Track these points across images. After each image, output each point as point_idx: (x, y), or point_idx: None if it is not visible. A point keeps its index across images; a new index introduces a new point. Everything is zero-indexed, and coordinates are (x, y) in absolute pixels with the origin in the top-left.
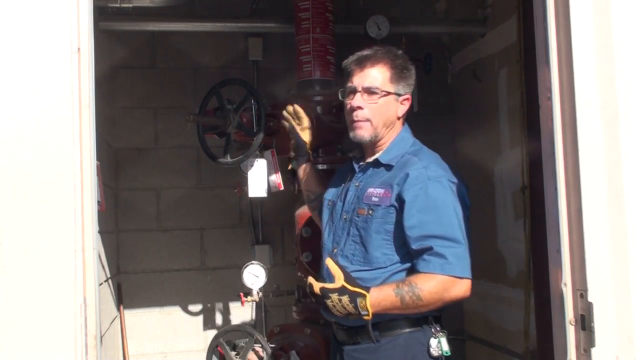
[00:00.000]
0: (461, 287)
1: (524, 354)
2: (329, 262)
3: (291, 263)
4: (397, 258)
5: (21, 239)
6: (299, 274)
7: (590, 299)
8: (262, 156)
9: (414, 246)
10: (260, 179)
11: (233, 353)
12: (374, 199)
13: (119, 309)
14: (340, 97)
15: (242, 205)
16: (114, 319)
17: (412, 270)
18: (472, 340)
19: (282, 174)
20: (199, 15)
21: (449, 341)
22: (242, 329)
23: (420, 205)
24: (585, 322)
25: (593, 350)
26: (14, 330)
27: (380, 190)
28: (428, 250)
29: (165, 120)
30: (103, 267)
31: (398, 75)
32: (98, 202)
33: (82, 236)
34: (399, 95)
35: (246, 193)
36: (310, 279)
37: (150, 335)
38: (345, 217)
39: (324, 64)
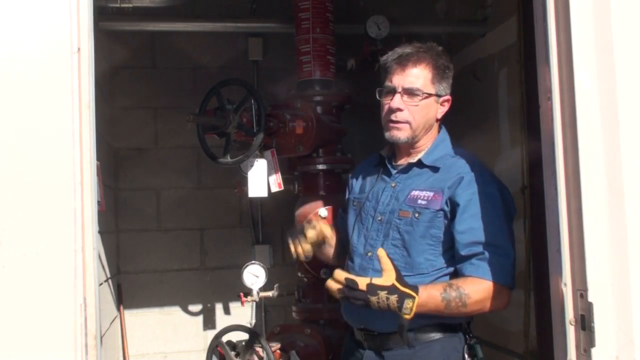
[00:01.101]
0: (504, 298)
1: (524, 354)
2: (382, 253)
3: (291, 263)
4: (439, 264)
5: (21, 239)
6: (299, 274)
7: (590, 299)
8: (262, 156)
9: (463, 252)
10: (260, 179)
11: (233, 353)
12: (420, 201)
13: (119, 309)
14: (377, 96)
15: (242, 205)
16: (114, 319)
17: (454, 276)
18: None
19: (281, 174)
20: (199, 15)
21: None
22: (242, 329)
23: (473, 211)
24: (585, 322)
25: (593, 350)
26: (14, 330)
27: (428, 193)
28: (477, 255)
29: (165, 120)
30: (103, 267)
31: (440, 75)
32: (98, 202)
33: (82, 236)
34: (440, 96)
35: (246, 193)
36: (346, 274)
37: (150, 335)
38: (380, 218)
39: (324, 64)
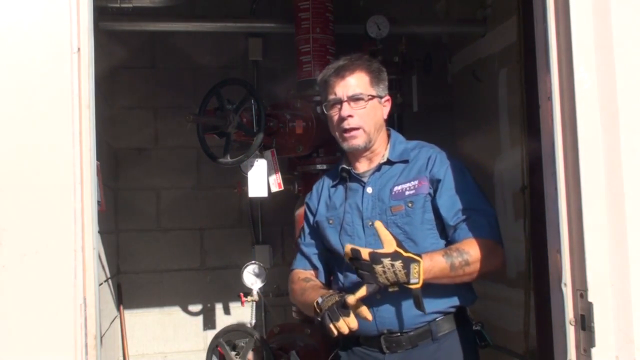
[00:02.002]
0: (500, 255)
1: (524, 354)
2: (379, 225)
3: (291, 263)
4: (442, 245)
5: (21, 239)
6: None
7: (590, 299)
8: (262, 156)
9: (451, 222)
10: (260, 179)
11: (233, 353)
12: (408, 192)
13: (119, 309)
14: (324, 111)
15: (242, 205)
16: (114, 319)
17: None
18: None
19: (281, 174)
20: (199, 15)
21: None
22: (242, 329)
23: (449, 185)
24: (585, 322)
25: (593, 350)
26: (14, 330)
27: (412, 183)
28: (464, 220)
29: (165, 120)
30: (103, 267)
31: (376, 77)
32: (98, 202)
33: (82, 236)
34: (381, 97)
35: (246, 193)
36: (352, 245)
37: (150, 335)
38: (371, 223)
39: (324, 64)
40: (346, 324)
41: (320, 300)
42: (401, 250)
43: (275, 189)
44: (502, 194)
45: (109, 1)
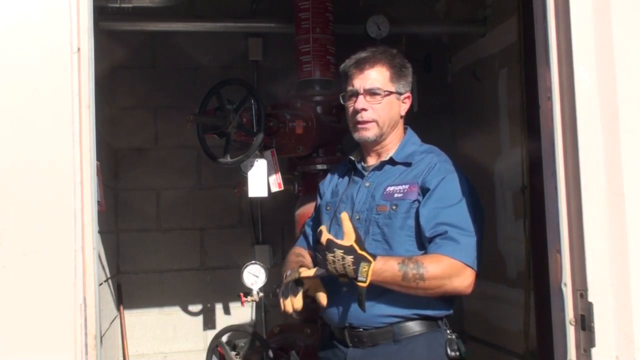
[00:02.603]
0: (466, 278)
1: (524, 354)
2: (344, 216)
3: None
4: (419, 253)
5: (21, 239)
6: None
7: (590, 299)
8: (262, 156)
9: (428, 233)
10: (260, 179)
11: (233, 353)
12: (396, 195)
13: (119, 309)
14: (341, 101)
15: (242, 205)
16: (114, 319)
17: None
18: (472, 340)
19: (281, 174)
20: (199, 15)
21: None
22: (242, 329)
23: (438, 196)
24: (585, 322)
25: (593, 350)
26: (14, 330)
27: (403, 187)
28: (441, 234)
29: (165, 120)
30: (103, 267)
31: (397, 74)
32: (98, 202)
33: (82, 236)
34: (400, 94)
35: (246, 193)
36: (323, 227)
37: (150, 335)
38: (358, 217)
39: (324, 64)
40: (291, 304)
41: (288, 273)
42: (357, 247)
43: (275, 189)
44: (502, 194)
45: (109, 1)
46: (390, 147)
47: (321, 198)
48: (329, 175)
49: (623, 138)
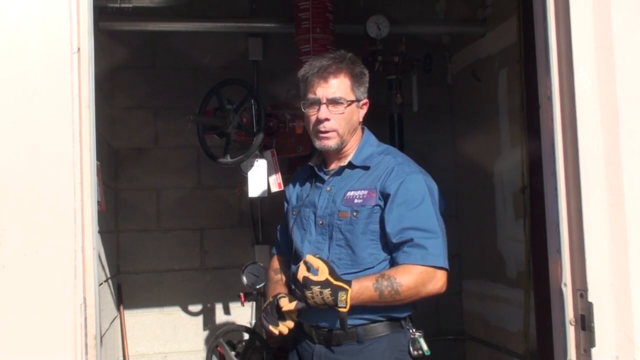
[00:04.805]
0: (439, 280)
1: (524, 354)
2: (310, 258)
3: None
4: (383, 256)
5: (21, 239)
6: None
7: (590, 299)
8: (262, 156)
9: (394, 239)
10: (260, 179)
11: (233, 353)
12: (356, 200)
13: (119, 309)
14: (302, 109)
15: (242, 205)
16: (114, 319)
17: (393, 264)
18: (472, 341)
19: (281, 174)
20: (199, 15)
21: (427, 341)
22: (242, 329)
23: (400, 200)
24: (585, 322)
25: (593, 350)
26: (14, 330)
27: (362, 192)
28: (408, 242)
29: (165, 120)
30: (103, 267)
31: (358, 81)
32: (98, 202)
33: (82, 236)
34: (359, 101)
35: (246, 193)
36: (301, 265)
37: (150, 335)
38: (321, 222)
39: None
40: (286, 327)
41: (270, 300)
42: (332, 279)
43: (275, 189)
44: (502, 194)
45: (109, 1)
46: (350, 152)
47: (287, 202)
48: (292, 179)
49: (623, 138)
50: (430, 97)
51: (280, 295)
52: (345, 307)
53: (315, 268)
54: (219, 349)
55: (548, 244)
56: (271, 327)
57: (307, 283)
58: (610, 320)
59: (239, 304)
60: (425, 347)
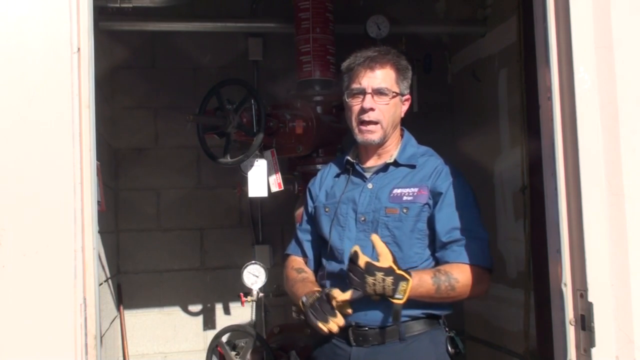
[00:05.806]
0: (486, 282)
1: (524, 354)
2: (376, 239)
3: None
4: (427, 255)
5: (21, 239)
6: None
7: (590, 299)
8: (262, 156)
9: (444, 238)
10: (260, 179)
11: (233, 353)
12: (406, 198)
13: (119, 309)
14: (345, 99)
15: (242, 205)
16: (114, 319)
17: (438, 263)
18: (472, 340)
19: (281, 174)
20: (199, 15)
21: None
22: (242, 329)
23: (450, 200)
24: (585, 322)
25: (593, 350)
26: (14, 330)
27: (412, 190)
28: (458, 241)
29: (165, 120)
30: (103, 267)
31: (402, 75)
32: (98, 202)
33: (82, 236)
34: (403, 95)
35: (246, 193)
36: (357, 248)
37: (150, 335)
38: (363, 219)
39: (324, 64)
40: (335, 323)
41: (304, 299)
42: (395, 267)
43: (275, 189)
44: (502, 194)
45: (109, 1)
46: (391, 149)
47: (313, 200)
48: (317, 176)
49: (623, 138)
50: (430, 97)
51: (327, 289)
52: (402, 299)
53: (378, 252)
54: (219, 349)
55: (548, 244)
56: (320, 324)
57: (370, 269)
58: (610, 320)
59: (239, 304)
60: (461, 345)
